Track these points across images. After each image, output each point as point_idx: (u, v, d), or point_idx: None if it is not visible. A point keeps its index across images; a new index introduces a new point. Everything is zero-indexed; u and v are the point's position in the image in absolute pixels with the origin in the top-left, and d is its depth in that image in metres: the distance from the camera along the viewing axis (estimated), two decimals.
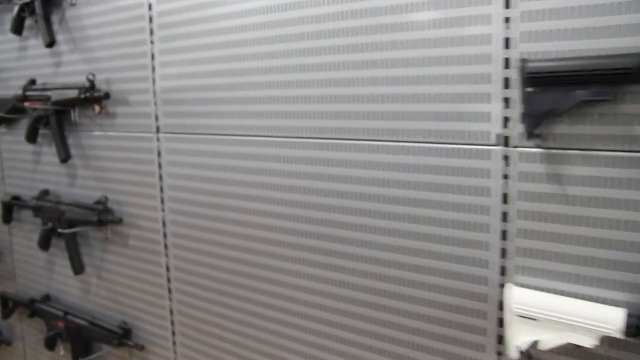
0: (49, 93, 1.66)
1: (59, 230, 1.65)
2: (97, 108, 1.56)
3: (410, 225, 1.06)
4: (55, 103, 1.63)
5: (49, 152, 1.81)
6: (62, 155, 1.65)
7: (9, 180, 1.99)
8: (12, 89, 1.87)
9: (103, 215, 1.58)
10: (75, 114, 1.66)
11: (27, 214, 1.94)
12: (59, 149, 1.65)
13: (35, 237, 1.91)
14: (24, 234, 1.98)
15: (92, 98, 1.52)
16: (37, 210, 1.79)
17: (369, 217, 1.12)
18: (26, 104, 1.74)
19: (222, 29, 1.30)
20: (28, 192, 1.91)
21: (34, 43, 1.77)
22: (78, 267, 1.70)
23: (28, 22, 1.76)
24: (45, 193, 1.79)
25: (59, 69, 1.71)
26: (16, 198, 1.91)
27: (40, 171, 1.86)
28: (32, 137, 1.75)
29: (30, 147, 1.86)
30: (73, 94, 1.56)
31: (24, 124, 1.87)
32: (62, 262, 1.85)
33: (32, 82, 1.75)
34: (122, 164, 1.58)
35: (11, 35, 1.84)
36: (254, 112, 1.28)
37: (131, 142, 1.53)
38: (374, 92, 1.07)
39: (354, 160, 1.12)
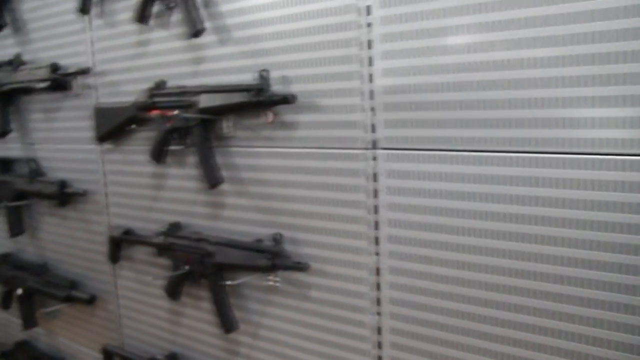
0: (193, 98, 1.27)
1: (228, 282, 1.25)
2: (270, 116, 1.18)
3: None
4: (206, 110, 1.24)
5: (178, 175, 1.41)
6: (212, 179, 1.26)
7: (116, 210, 1.60)
8: (125, 95, 1.49)
9: (279, 260, 1.19)
10: (228, 124, 1.27)
11: (139, 252, 1.55)
12: (208, 171, 1.26)
13: (147, 279, 1.52)
14: (135, 275, 1.59)
15: (270, 102, 1.14)
16: (166, 250, 1.39)
17: None
18: (153, 112, 1.36)
19: (475, 5, 0.92)
20: (143, 225, 1.52)
21: (161, 36, 1.38)
22: (230, 324, 1.30)
23: (155, 8, 1.38)
24: (176, 227, 1.40)
25: (198, 67, 1.32)
26: (128, 232, 1.53)
27: (164, 199, 1.46)
28: (160, 154, 1.35)
29: (148, 168, 1.47)
30: (237, 98, 1.18)
31: (135, 139, 1.49)
32: (192, 313, 1.46)
33: (162, 84, 1.36)
34: (303, 191, 1.18)
35: (123, 28, 1.46)
36: (519, 119, 0.91)
37: (323, 162, 1.14)
38: None
39: None
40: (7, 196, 1.77)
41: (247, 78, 1.22)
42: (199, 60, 1.31)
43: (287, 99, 1.11)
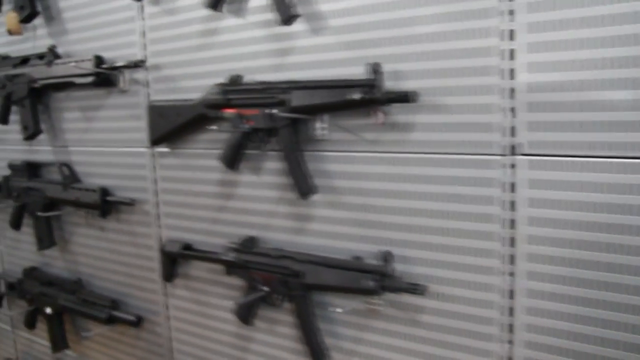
0: (282, 95, 1.11)
1: (339, 310, 1.08)
2: (380, 116, 1.03)
3: None
4: (301, 109, 1.08)
5: (252, 183, 1.24)
6: (305, 188, 1.10)
7: (168, 221, 1.42)
8: (183, 91, 1.32)
9: (389, 281, 1.04)
10: (322, 126, 1.12)
11: (197, 268, 1.38)
12: (299, 178, 1.10)
13: (207, 299, 1.36)
14: (192, 295, 1.41)
15: (386, 100, 0.99)
16: (240, 268, 1.23)
17: None
18: (227, 111, 1.19)
19: None
20: (202, 238, 1.34)
21: (234, 24, 1.22)
22: (321, 353, 1.15)
23: None
24: (251, 242, 1.24)
25: (283, 60, 1.16)
26: (188, 247, 1.36)
27: (232, 210, 1.30)
28: (235, 159, 1.18)
29: (213, 174, 1.30)
30: (343, 95, 1.03)
31: (196, 141, 1.32)
32: (266, 339, 1.29)
33: (237, 79, 1.20)
34: (416, 202, 1.03)
35: (184, 16, 1.29)
36: None
37: (446, 169, 0.99)
38: None
39: None
40: (37, 205, 1.58)
41: (343, 72, 1.08)
42: (283, 52, 1.15)
43: (407, 97, 0.96)
